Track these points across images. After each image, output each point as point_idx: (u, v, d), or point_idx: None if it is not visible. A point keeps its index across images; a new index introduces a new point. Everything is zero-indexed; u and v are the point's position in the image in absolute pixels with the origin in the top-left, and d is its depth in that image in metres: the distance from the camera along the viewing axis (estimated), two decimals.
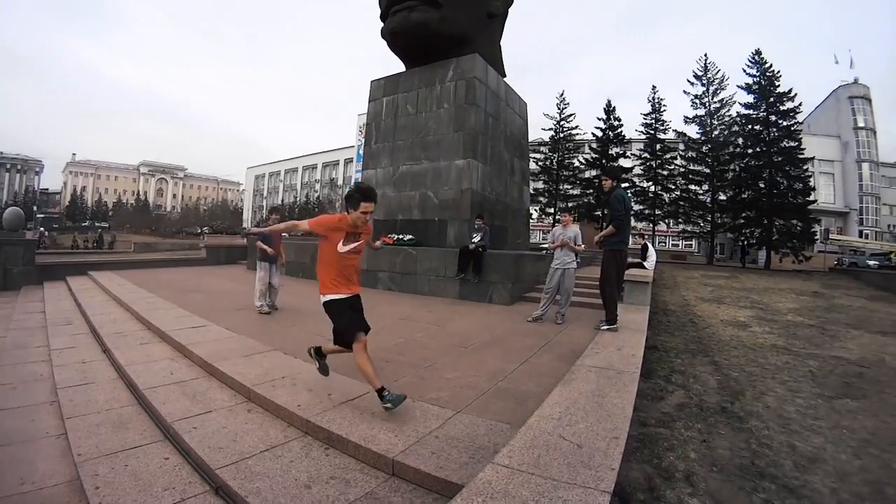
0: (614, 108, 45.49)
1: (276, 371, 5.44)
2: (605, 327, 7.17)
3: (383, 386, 4.34)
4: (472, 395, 4.95)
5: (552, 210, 45.88)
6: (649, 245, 13.34)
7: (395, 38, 15.99)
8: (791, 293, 19.02)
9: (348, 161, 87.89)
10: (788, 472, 4.16)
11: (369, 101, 17.60)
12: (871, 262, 40.14)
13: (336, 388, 4.98)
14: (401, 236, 14.96)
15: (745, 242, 38.13)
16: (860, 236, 55.96)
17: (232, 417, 4.38)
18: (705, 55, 41.48)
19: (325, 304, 4.59)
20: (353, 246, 4.57)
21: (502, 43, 18.61)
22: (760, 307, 14.40)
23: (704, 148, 40.28)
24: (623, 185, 41.54)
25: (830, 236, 45.60)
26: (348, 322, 4.55)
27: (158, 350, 6.70)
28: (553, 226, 34.11)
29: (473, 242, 12.46)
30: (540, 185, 46.80)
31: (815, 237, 38.27)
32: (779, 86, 37.64)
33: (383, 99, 17.16)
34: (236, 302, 10.64)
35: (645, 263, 12.64)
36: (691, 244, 52.95)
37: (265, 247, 10.02)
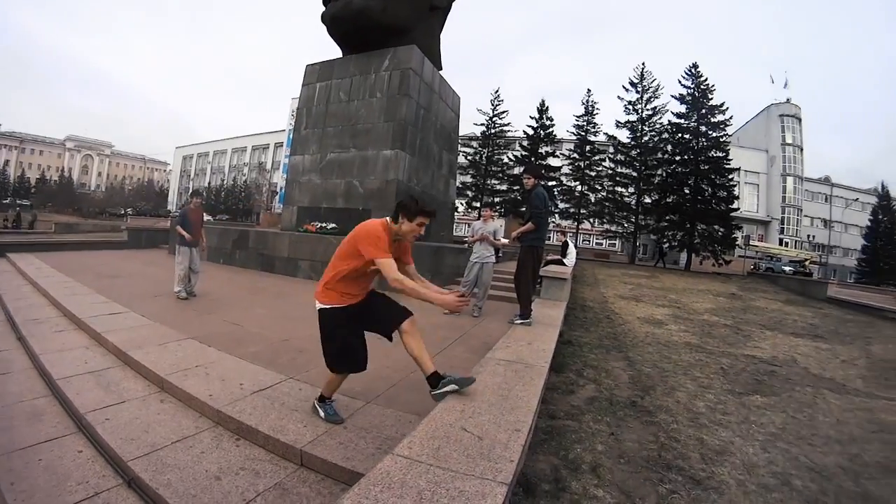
0: (548, 107, 46.21)
1: (190, 360, 5.31)
2: (519, 322, 7.07)
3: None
4: (384, 386, 4.97)
5: (478, 204, 46.34)
6: (570, 243, 13.52)
7: (335, 23, 15.74)
8: (709, 294, 19.68)
9: (278, 145, 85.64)
10: (695, 464, 4.18)
11: (303, 86, 17.20)
12: (787, 268, 43.22)
13: (249, 377, 4.90)
14: (323, 224, 14.68)
15: (665, 244, 39.54)
16: (780, 244, 59.85)
17: (145, 408, 4.28)
18: (643, 64, 42.76)
19: (322, 312, 3.85)
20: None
21: (443, 36, 18.52)
22: (678, 306, 14.77)
23: (633, 152, 41.53)
24: (549, 184, 42.35)
25: (751, 242, 48.23)
26: (341, 352, 3.86)
27: (74, 338, 6.41)
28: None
29: None
30: (468, 178, 47.18)
31: (736, 242, 40.12)
32: (712, 99, 39.17)
33: (317, 84, 16.78)
34: (155, 288, 10.19)
35: (565, 260, 12.78)
36: (615, 243, 54.41)
37: (184, 232, 9.64)
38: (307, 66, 17.22)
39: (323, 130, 16.10)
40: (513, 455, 2.66)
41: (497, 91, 48.97)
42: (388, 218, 3.78)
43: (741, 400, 6.31)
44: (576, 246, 42.76)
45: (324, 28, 16.32)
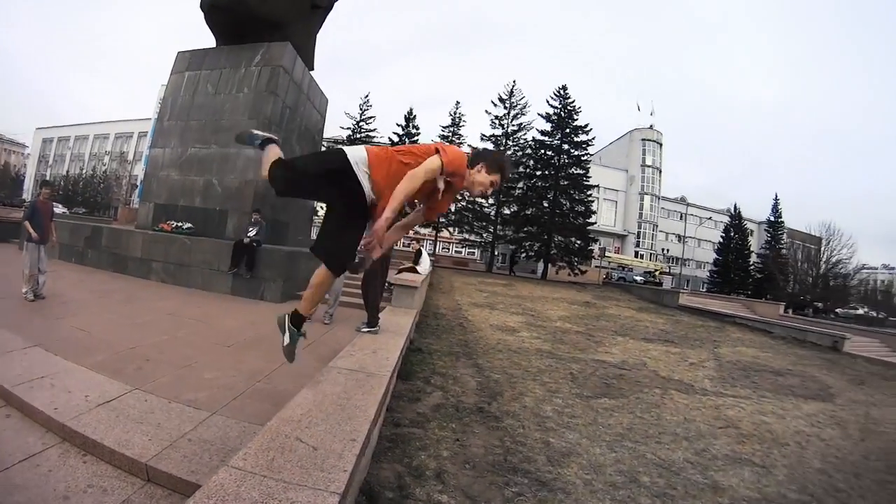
0: (415, 115, 46.33)
1: (36, 370, 4.85)
2: (366, 329, 6.96)
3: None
4: (230, 396, 4.80)
5: None
6: (423, 251, 13.64)
7: (212, 10, 14.96)
8: (564, 302, 20.56)
9: (142, 135, 79.14)
10: (542, 466, 4.31)
11: (171, 73, 15.98)
12: (638, 278, 46.65)
13: (95, 388, 4.55)
14: (179, 224, 13.83)
15: (521, 254, 41.08)
16: (636, 256, 64.46)
17: None
18: (514, 81, 44.24)
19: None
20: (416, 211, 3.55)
21: (321, 36, 18.04)
22: (532, 314, 15.30)
23: None
24: None
25: (607, 254, 51.28)
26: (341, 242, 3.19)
27: None
28: None
29: (248, 236, 11.97)
30: None
31: (592, 254, 42.54)
32: (577, 119, 41.37)
33: (186, 73, 15.70)
34: (2, 288, 9.06)
35: (418, 268, 12.86)
36: (474, 252, 55.63)
37: (31, 229, 8.74)
38: (178, 53, 16.08)
39: (186, 123, 15.12)
40: (346, 465, 2.64)
41: (367, 96, 48.31)
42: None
43: (589, 403, 6.61)
44: (434, 254, 43.50)
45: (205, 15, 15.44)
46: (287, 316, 3.57)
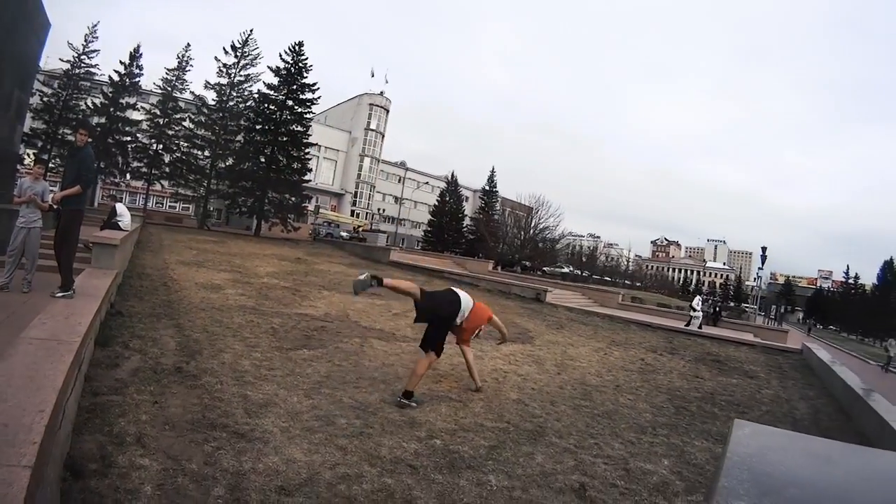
0: (141, 54, 40.46)
1: None
2: (60, 294, 6.36)
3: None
4: None
5: (48, 156, 38.68)
6: (118, 206, 12.56)
7: None
8: (274, 259, 20.46)
9: None
10: (240, 419, 4.44)
11: None
12: (343, 234, 48.71)
13: None
14: None
15: (232, 209, 39.73)
16: (352, 215, 65.94)
17: None
18: (251, 30, 41.27)
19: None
20: None
21: None
22: (240, 271, 15.04)
23: (216, 115, 40.28)
24: (124, 139, 38.72)
25: (321, 211, 52.12)
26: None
27: None
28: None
29: None
30: (41, 124, 39.14)
31: (307, 211, 42.83)
32: (307, 77, 40.18)
33: None
34: None
35: (120, 224, 11.86)
36: (188, 208, 52.24)
37: None
38: None
39: None
40: (35, 437, 2.55)
41: (95, 26, 40.28)
42: None
43: (288, 355, 6.87)
44: (145, 209, 39.57)
45: None
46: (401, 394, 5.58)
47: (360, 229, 53.39)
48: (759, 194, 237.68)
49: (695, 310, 23.10)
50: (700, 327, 20.76)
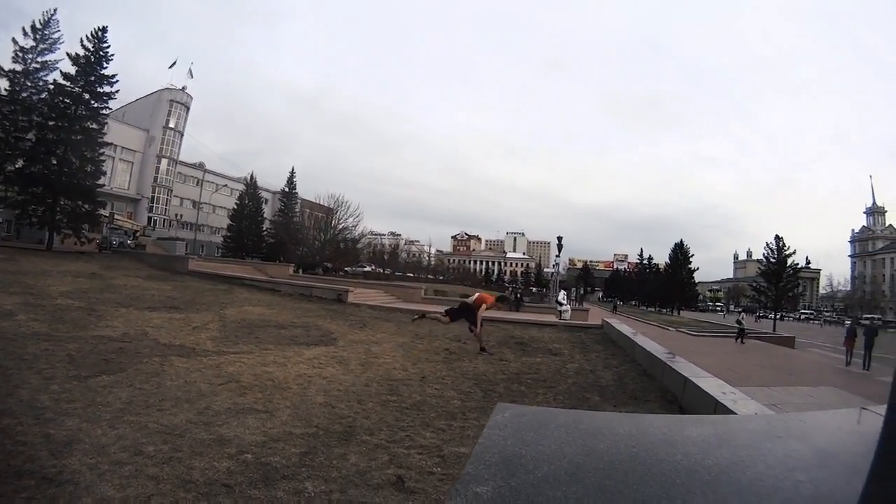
0: None
1: None
2: None
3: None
4: None
5: None
6: None
7: None
8: (69, 275, 18.92)
9: None
10: (46, 462, 4.18)
11: None
12: (129, 242, 45.49)
13: None
14: None
15: (23, 220, 34.91)
16: (148, 222, 62.52)
17: None
18: (55, 9, 36.12)
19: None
20: None
21: None
22: (32, 292, 13.81)
23: (6, 108, 34.36)
24: None
25: (116, 219, 47.96)
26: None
27: None
28: None
29: None
30: None
31: (102, 220, 39.50)
32: (107, 67, 36.44)
33: None
34: None
35: None
36: None
37: None
38: None
39: None
40: None
41: None
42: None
43: (87, 384, 6.52)
44: None
45: None
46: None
47: (139, 234, 50.45)
48: (558, 191, 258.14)
49: (561, 304, 24.51)
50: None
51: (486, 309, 11.72)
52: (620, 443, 1.43)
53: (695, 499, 1.12)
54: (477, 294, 12.33)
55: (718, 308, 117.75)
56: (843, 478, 1.19)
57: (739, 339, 26.08)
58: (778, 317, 57.21)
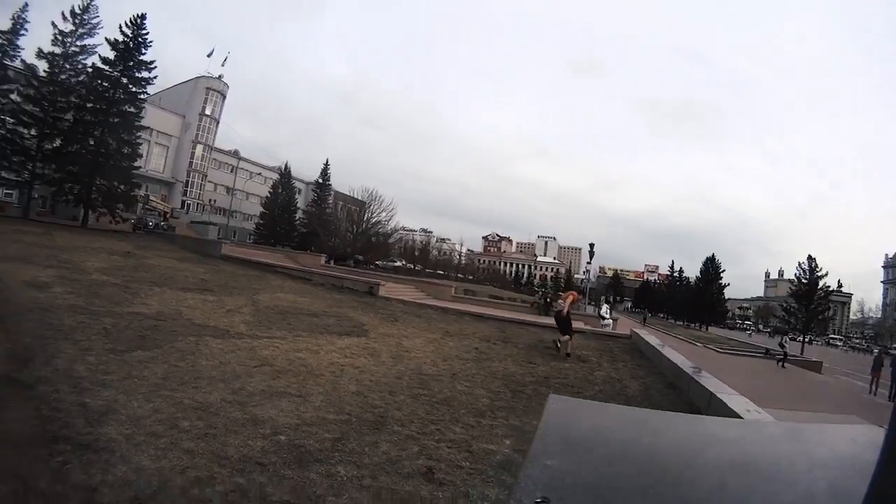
0: None
1: None
2: None
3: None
4: None
5: None
6: None
7: None
8: (103, 253, 19.23)
9: None
10: (82, 429, 4.22)
11: None
12: (152, 222, 44.87)
13: None
14: None
15: (59, 197, 36.10)
16: (182, 206, 63.47)
17: None
18: None
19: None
20: None
21: None
22: (68, 267, 14.07)
23: (46, 89, 35.34)
24: None
25: (151, 200, 48.64)
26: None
27: None
28: None
29: None
30: None
31: (138, 200, 40.30)
32: (145, 53, 37.45)
33: None
34: None
35: None
36: (11, 194, 46.37)
37: None
38: None
39: None
40: None
41: None
42: None
43: (123, 357, 6.57)
44: None
45: None
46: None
47: (168, 216, 51.01)
48: (588, 195, 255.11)
49: (604, 317, 24.09)
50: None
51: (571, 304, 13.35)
52: (660, 436, 1.58)
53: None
54: (561, 301, 13.57)
55: (747, 326, 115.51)
56: None
57: (781, 363, 25.60)
58: (807, 340, 55.94)
